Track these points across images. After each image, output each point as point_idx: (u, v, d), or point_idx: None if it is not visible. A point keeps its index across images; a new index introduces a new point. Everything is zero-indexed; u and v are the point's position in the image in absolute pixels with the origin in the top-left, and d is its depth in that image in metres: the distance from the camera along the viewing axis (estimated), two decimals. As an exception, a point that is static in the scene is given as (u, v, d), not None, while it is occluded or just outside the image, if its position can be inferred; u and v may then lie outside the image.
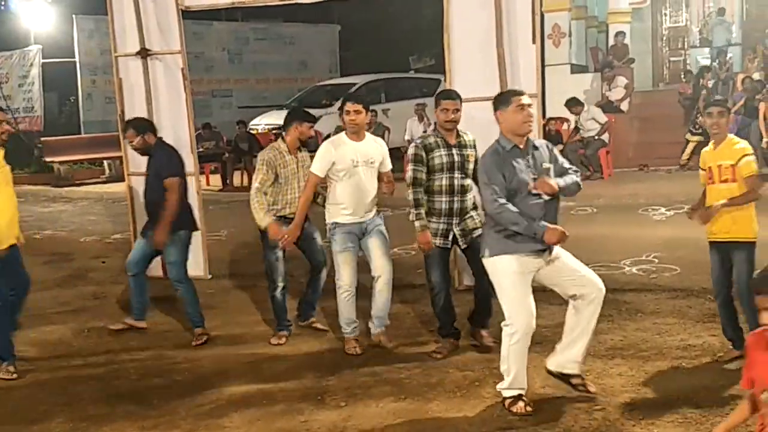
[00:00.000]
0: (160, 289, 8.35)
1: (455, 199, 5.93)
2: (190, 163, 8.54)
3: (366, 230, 6.23)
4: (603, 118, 14.71)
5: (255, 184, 6.42)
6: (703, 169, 5.61)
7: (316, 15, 22.01)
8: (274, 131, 17.60)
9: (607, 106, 15.53)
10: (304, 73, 22.62)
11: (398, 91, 19.16)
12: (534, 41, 7.21)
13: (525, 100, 5.03)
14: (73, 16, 19.40)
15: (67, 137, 19.07)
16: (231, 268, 9.37)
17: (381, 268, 6.20)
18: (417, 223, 5.87)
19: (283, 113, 18.64)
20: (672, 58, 18.80)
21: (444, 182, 5.90)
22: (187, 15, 8.71)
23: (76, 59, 19.58)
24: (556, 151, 5.29)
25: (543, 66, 10.49)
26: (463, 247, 6.05)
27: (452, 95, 6.02)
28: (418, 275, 7.69)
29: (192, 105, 8.69)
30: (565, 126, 15.29)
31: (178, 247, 6.68)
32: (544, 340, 5.97)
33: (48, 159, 18.42)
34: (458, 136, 5.99)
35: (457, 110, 5.90)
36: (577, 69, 17.51)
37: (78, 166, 18.58)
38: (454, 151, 5.93)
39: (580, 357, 5.08)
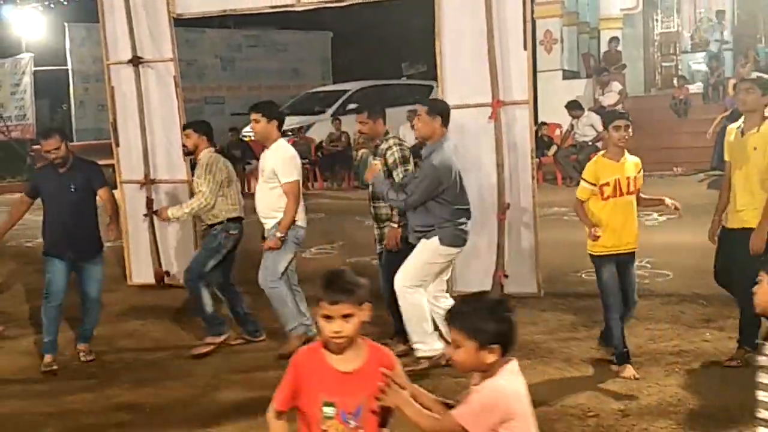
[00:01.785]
0: (153, 298, 8.35)
1: (371, 205, 6.31)
2: (183, 171, 8.58)
3: None
4: (601, 127, 14.73)
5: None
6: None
7: (308, 22, 21.99)
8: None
9: (599, 112, 15.55)
10: (296, 80, 22.63)
11: (391, 98, 19.15)
12: (525, 47, 7.21)
13: None
14: (65, 24, 19.39)
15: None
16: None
17: None
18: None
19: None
20: (664, 64, 18.84)
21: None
22: (179, 22, 8.71)
23: (69, 67, 19.56)
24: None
25: (535, 72, 10.49)
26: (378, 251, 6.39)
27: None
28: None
29: (184, 112, 8.67)
30: (557, 131, 15.31)
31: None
32: (537, 348, 5.98)
33: (39, 166, 18.37)
34: (378, 144, 6.28)
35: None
36: (569, 75, 17.53)
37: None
38: (370, 158, 6.27)
39: None
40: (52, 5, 18.01)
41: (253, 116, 6.49)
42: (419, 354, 5.85)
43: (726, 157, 5.73)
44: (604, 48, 17.59)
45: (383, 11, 22.88)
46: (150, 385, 5.96)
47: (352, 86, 19.10)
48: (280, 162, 6.38)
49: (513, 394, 2.80)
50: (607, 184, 5.44)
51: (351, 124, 17.02)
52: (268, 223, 6.44)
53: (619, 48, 17.35)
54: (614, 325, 5.52)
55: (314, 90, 20.16)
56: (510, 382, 2.80)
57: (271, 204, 6.41)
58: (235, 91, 22.07)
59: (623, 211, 5.48)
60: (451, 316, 2.89)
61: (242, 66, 22.35)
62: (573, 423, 4.80)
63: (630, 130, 5.49)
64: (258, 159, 16.80)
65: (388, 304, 6.11)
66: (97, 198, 6.58)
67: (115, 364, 6.46)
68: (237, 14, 9.43)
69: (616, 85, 16.12)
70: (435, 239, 5.76)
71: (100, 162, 17.33)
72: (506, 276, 7.33)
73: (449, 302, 5.83)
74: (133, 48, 8.51)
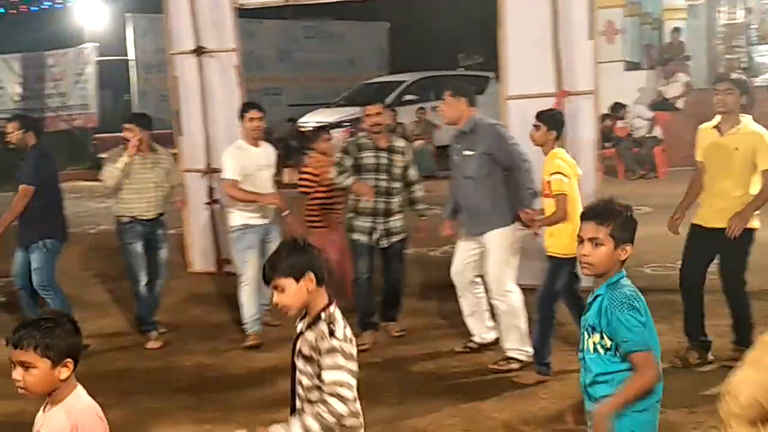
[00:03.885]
0: (212, 285, 8.45)
1: (380, 199, 6.32)
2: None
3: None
4: (648, 113, 14.52)
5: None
6: None
7: (365, 13, 22.04)
8: (323, 128, 17.68)
9: (662, 104, 15.29)
10: (352, 71, 22.63)
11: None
12: (591, 37, 7.11)
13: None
14: (127, 14, 19.67)
15: (121, 134, 19.28)
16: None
17: None
18: None
19: (331, 111, 18.72)
20: (728, 56, 18.40)
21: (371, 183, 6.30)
22: (239, 13, 8.77)
23: (130, 57, 19.85)
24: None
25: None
26: (384, 246, 6.43)
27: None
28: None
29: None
30: (620, 123, 15.08)
31: (43, 253, 6.60)
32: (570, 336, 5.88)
33: (102, 155, 18.69)
34: (390, 140, 6.42)
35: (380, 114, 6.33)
36: (630, 66, 17.24)
37: (131, 162, 18.81)
38: (383, 153, 6.33)
39: None
40: (114, -5, 18.36)
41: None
42: (512, 354, 5.73)
43: (699, 158, 5.71)
44: (666, 39, 17.26)
45: (440, 2, 22.83)
46: (213, 371, 6.04)
47: (408, 77, 19.05)
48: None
49: None
50: None
51: (407, 115, 17.04)
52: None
53: (682, 39, 17.01)
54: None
55: (370, 81, 20.14)
56: None
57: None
58: (293, 82, 22.18)
59: None
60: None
61: (299, 57, 22.44)
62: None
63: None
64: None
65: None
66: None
67: (177, 349, 6.55)
68: (298, 4, 9.48)
69: (682, 76, 15.81)
70: (510, 226, 5.75)
71: (160, 151, 16.80)
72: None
73: (482, 290, 5.93)
74: (196, 38, 8.61)
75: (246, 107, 6.88)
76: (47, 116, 19.69)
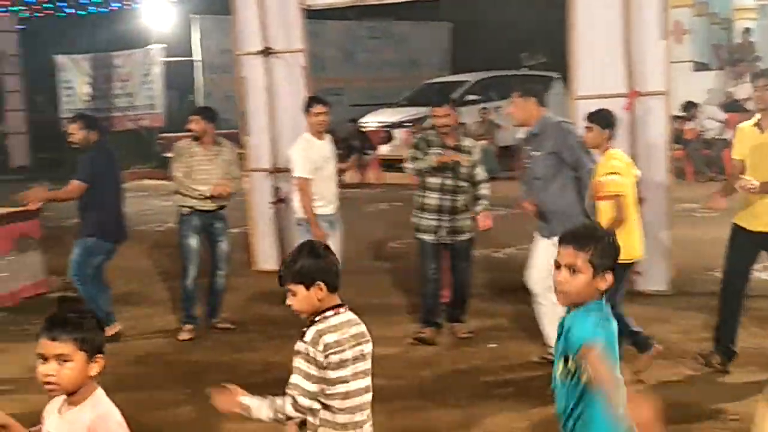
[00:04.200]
0: (276, 283, 8.48)
1: (446, 197, 6.34)
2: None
3: None
4: (721, 114, 14.19)
5: None
6: None
7: (428, 13, 22.01)
8: (384, 128, 17.71)
9: (733, 105, 14.94)
10: (415, 71, 22.62)
11: (510, 89, 18.87)
12: (664, 37, 6.99)
13: None
14: (193, 15, 19.97)
15: (186, 133, 19.57)
16: (346, 262, 9.43)
17: None
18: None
19: (393, 111, 18.72)
20: (800, 56, 17.91)
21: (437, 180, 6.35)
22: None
23: (196, 58, 20.15)
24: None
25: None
26: (449, 243, 6.44)
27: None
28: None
29: (311, 102, 8.77)
30: (689, 125, 14.79)
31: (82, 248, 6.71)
32: (672, 347, 5.75)
33: (167, 154, 19.01)
34: (458, 138, 6.44)
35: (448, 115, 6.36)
36: (699, 67, 16.90)
37: (195, 161, 19.09)
38: (449, 152, 6.33)
39: None
40: (181, -4, 18.64)
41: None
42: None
43: (736, 155, 5.50)
44: (736, 39, 16.86)
45: (503, 1, 22.70)
46: (278, 368, 6.07)
47: (471, 77, 18.96)
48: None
49: None
50: None
51: (470, 115, 16.95)
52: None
53: (753, 39, 16.60)
54: None
55: (432, 81, 20.10)
56: None
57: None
58: (355, 83, 22.27)
59: None
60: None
61: (362, 57, 22.53)
62: (714, 427, 4.62)
63: None
64: (376, 149, 16.95)
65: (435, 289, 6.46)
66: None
67: (244, 346, 6.61)
68: (364, 5, 9.50)
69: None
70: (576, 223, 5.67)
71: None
72: (638, 273, 7.11)
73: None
74: (264, 39, 8.69)
75: (311, 101, 7.03)
76: (114, 116, 20.12)
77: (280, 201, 8.93)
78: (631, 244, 5.14)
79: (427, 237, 6.40)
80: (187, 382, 5.84)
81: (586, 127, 5.49)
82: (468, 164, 6.39)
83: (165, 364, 6.33)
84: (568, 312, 2.86)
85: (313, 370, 3.02)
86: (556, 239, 5.59)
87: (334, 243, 6.85)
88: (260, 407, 3.03)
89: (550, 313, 5.74)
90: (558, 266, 2.82)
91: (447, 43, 24.22)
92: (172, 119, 20.46)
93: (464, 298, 6.66)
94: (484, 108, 17.28)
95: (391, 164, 15.63)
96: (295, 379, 3.03)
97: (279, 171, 8.90)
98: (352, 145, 16.80)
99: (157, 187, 17.43)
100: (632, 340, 5.25)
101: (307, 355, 3.03)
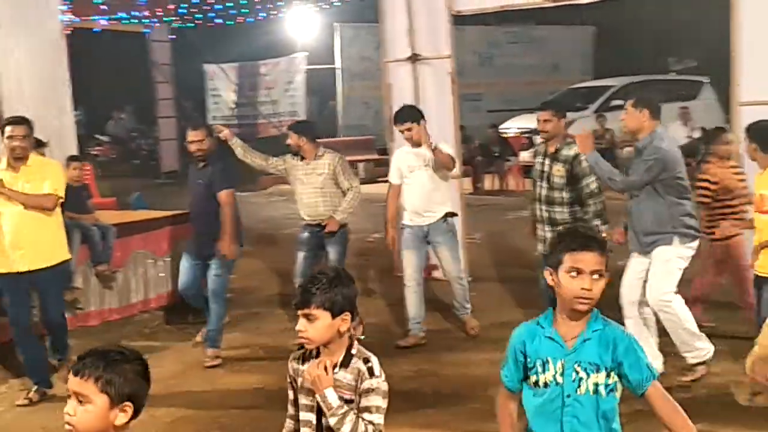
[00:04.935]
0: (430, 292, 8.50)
1: (542, 207, 6.31)
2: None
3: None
4: None
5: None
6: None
7: (568, 17, 21.58)
8: (525, 134, 17.47)
9: None
10: (555, 76, 22.23)
11: (658, 94, 18.28)
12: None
13: None
14: (335, 24, 20.34)
15: (326, 140, 19.98)
16: (489, 270, 9.36)
17: None
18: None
19: (533, 116, 18.41)
20: None
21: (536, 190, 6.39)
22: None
23: (337, 65, 20.51)
24: None
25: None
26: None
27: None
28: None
29: (459, 109, 8.77)
30: None
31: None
32: None
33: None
34: (558, 147, 6.24)
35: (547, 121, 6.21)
36: None
37: (336, 167, 19.42)
38: (546, 160, 6.26)
39: None
40: (325, 6, 18.93)
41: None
42: (692, 361, 5.64)
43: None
44: None
45: (648, 4, 22.01)
46: (429, 375, 6.07)
47: (616, 82, 18.44)
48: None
49: None
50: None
51: (615, 121, 16.47)
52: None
53: None
54: None
55: (576, 86, 19.70)
56: None
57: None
58: (493, 87, 22.08)
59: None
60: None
61: (500, 62, 22.31)
62: None
63: None
64: (517, 155, 16.72)
65: None
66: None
67: (395, 352, 6.63)
68: (510, 9, 9.39)
69: None
70: (676, 240, 5.50)
71: (361, 157, 18.03)
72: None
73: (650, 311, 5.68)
74: (411, 45, 8.72)
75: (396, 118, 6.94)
76: (259, 123, 20.75)
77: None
78: None
79: (539, 247, 6.37)
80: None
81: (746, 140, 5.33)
82: (561, 173, 6.16)
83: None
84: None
85: (386, 403, 2.90)
86: (646, 255, 5.50)
87: (444, 256, 6.91)
88: (341, 414, 2.83)
89: (637, 330, 5.45)
90: (579, 272, 2.72)
91: (590, 47, 23.67)
92: (313, 125, 20.89)
93: None
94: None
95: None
96: (375, 419, 2.86)
97: (424, 177, 8.91)
98: (492, 151, 16.66)
99: (299, 191, 17.83)
100: None
101: (380, 389, 2.89)
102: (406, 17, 8.69)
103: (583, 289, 2.71)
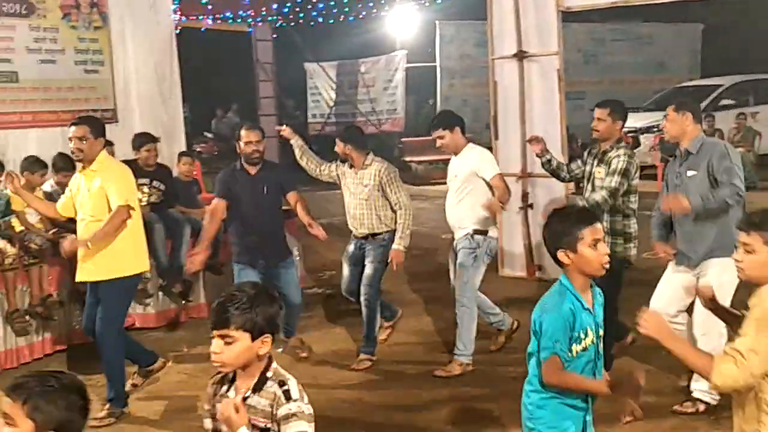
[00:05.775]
0: (525, 290, 8.39)
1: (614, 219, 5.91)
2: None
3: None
4: None
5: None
6: None
7: (676, 14, 20.92)
8: (630, 134, 17.03)
9: None
10: (661, 74, 21.58)
11: (767, 94, 17.60)
12: None
13: None
14: (437, 22, 20.25)
15: (425, 138, 19.91)
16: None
17: None
18: None
19: (639, 116, 17.90)
20: None
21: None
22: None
23: (436, 63, 20.43)
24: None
25: None
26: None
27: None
28: None
29: (565, 106, 8.62)
30: None
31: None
32: None
33: (407, 158, 19.45)
34: (606, 149, 5.91)
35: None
36: None
37: (433, 166, 19.37)
38: (594, 161, 5.98)
39: None
40: (426, 3, 18.88)
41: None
42: (699, 396, 5.32)
43: None
44: None
45: (756, 1, 21.09)
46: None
47: (725, 81, 17.81)
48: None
49: None
50: None
51: (724, 121, 15.92)
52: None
53: None
54: None
55: (683, 84, 19.11)
56: None
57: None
58: (597, 86, 21.58)
59: None
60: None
61: (605, 60, 21.80)
62: None
63: None
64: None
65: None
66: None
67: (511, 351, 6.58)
68: (622, 6, 9.18)
69: None
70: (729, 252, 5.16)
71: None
72: None
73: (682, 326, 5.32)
74: (519, 42, 8.61)
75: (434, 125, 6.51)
76: (358, 120, 20.88)
77: (530, 206, 8.81)
78: None
79: None
80: (443, 384, 5.89)
81: None
82: (601, 176, 5.82)
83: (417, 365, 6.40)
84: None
85: (312, 427, 2.66)
86: (695, 267, 5.21)
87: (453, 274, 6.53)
88: None
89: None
90: (598, 241, 3.18)
91: (697, 45, 22.90)
92: (410, 123, 20.93)
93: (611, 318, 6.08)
94: (742, 114, 16.18)
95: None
96: None
97: (529, 176, 8.80)
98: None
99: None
100: None
101: (304, 413, 2.67)
102: (513, 14, 8.58)
103: (605, 254, 3.17)
